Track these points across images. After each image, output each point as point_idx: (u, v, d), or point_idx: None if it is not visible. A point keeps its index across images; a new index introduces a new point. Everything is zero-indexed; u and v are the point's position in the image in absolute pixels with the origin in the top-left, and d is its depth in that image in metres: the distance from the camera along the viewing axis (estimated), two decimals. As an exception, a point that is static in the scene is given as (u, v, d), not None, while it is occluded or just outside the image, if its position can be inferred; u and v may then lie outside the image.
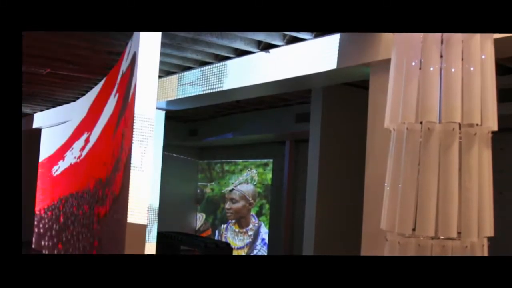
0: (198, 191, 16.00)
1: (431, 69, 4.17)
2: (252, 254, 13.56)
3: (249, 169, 14.06)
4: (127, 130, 6.39)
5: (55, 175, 12.37)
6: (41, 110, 13.37)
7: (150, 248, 8.63)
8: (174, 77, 8.56)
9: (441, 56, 4.18)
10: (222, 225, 14.80)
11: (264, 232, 13.28)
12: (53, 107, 12.63)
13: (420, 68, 4.23)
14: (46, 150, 13.02)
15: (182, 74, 8.41)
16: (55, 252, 11.42)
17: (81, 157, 10.26)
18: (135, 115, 5.89)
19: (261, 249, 13.32)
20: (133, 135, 5.88)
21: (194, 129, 14.57)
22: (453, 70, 4.13)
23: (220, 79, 7.64)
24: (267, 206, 13.31)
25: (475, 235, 4.05)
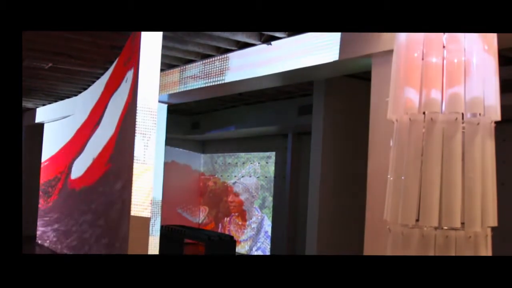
0: (201, 184, 16.02)
1: (434, 60, 4.17)
2: (255, 246, 13.58)
3: (251, 162, 14.07)
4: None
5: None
6: (44, 105, 13.37)
7: (154, 241, 8.65)
8: (176, 70, 8.56)
9: (444, 47, 4.17)
10: (225, 218, 14.82)
11: (267, 225, 13.30)
12: (55, 101, 12.64)
13: (422, 59, 4.23)
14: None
15: (184, 67, 8.40)
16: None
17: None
18: (137, 108, 5.90)
19: (264, 242, 13.34)
20: (136, 128, 5.89)
21: (196, 122, 14.57)
22: (455, 60, 4.13)
23: (222, 72, 7.64)
24: (270, 198, 13.32)
25: (479, 225, 4.05)
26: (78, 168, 10.56)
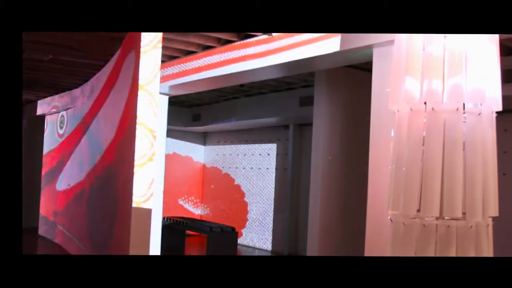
0: (202, 175, 16.04)
1: (435, 50, 4.17)
2: (256, 238, 13.59)
3: (253, 154, 14.07)
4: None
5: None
6: (44, 97, 13.37)
7: (155, 233, 8.66)
8: (177, 61, 8.55)
9: (445, 37, 4.17)
10: (227, 210, 14.83)
11: (269, 216, 13.32)
12: (57, 93, 12.63)
13: (423, 49, 4.22)
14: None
15: (185, 58, 8.39)
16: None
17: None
18: (138, 99, 5.89)
19: (265, 233, 13.36)
20: (137, 119, 5.89)
21: (197, 114, 14.57)
22: (456, 50, 4.13)
23: (223, 63, 7.63)
24: (271, 190, 13.33)
25: (480, 215, 4.06)
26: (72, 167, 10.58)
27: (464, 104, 4.09)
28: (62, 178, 11.81)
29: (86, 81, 10.66)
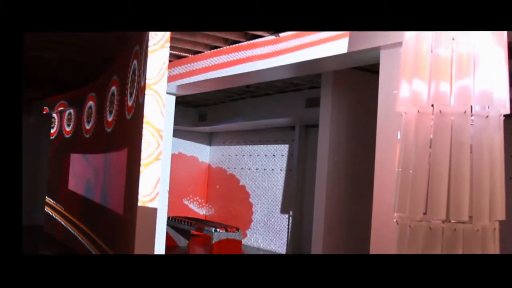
0: (208, 175, 16.04)
1: (443, 52, 4.15)
2: (261, 238, 13.59)
3: (258, 154, 14.07)
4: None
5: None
6: (50, 95, 13.40)
7: (160, 232, 8.67)
8: (184, 61, 8.56)
9: (453, 39, 4.15)
10: (232, 210, 14.83)
11: (274, 217, 13.31)
12: (63, 92, 12.66)
13: (431, 51, 4.21)
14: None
15: (193, 58, 8.39)
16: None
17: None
18: (145, 98, 5.90)
19: (270, 234, 13.35)
20: (144, 118, 5.89)
21: (203, 114, 14.58)
22: (464, 53, 4.11)
23: (230, 64, 7.63)
24: (276, 191, 13.33)
25: (487, 219, 4.04)
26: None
27: (471, 107, 4.08)
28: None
29: (94, 79, 10.69)
